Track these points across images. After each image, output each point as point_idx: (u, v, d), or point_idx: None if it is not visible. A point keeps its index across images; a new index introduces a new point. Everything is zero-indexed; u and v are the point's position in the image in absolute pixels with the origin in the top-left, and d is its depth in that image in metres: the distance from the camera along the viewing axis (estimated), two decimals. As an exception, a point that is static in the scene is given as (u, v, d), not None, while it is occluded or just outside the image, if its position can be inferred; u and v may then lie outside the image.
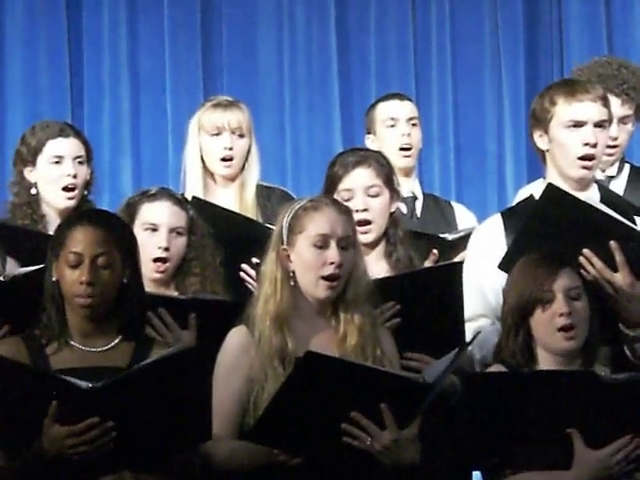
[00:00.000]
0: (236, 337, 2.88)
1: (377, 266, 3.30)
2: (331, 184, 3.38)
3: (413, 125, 4.06)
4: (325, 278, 2.86)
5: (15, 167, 3.64)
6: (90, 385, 2.63)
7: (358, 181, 3.36)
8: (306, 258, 2.87)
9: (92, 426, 2.65)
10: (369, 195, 3.36)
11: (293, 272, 2.89)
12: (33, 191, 3.60)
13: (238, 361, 2.84)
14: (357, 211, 3.31)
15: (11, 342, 2.86)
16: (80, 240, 2.82)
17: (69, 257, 2.82)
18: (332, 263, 2.86)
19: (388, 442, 2.68)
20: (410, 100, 4.16)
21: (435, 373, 2.73)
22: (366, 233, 3.34)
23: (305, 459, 2.72)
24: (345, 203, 3.19)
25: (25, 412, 2.67)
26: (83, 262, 2.82)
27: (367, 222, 3.34)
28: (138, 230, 3.29)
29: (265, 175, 3.93)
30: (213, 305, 3.19)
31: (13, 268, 3.23)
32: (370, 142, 4.09)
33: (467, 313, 3.17)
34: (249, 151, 3.82)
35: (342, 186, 3.36)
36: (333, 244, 2.88)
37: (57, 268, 2.85)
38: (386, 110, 4.06)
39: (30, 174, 3.61)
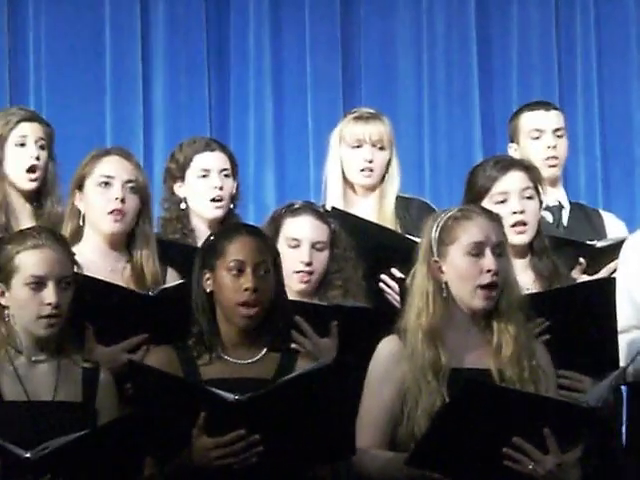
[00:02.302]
0: (388, 347, 2.86)
1: (524, 276, 3.24)
2: (480, 190, 3.34)
3: (559, 136, 3.96)
4: (483, 287, 2.82)
5: (165, 184, 3.72)
6: (237, 397, 2.66)
7: (514, 183, 3.32)
8: (461, 268, 2.83)
9: (238, 438, 2.68)
10: (524, 197, 3.31)
11: (446, 284, 2.85)
12: (183, 206, 3.66)
13: (390, 371, 2.83)
14: (514, 213, 3.27)
15: (163, 352, 2.92)
16: (242, 248, 2.89)
17: (231, 265, 2.87)
18: (489, 271, 2.81)
19: (552, 466, 2.64)
20: (556, 109, 4.05)
21: (597, 396, 2.67)
22: (522, 234, 3.29)
23: None
24: (499, 206, 3.15)
25: (175, 422, 2.71)
26: (245, 270, 2.87)
27: (523, 224, 3.29)
28: (282, 244, 3.33)
29: (403, 186, 3.90)
30: (355, 313, 3.19)
31: (172, 278, 3.30)
32: (513, 151, 4.01)
33: (619, 324, 3.09)
34: (389, 163, 3.83)
35: (496, 189, 3.31)
36: (488, 252, 2.83)
37: (214, 279, 2.90)
38: (531, 121, 3.96)
39: (179, 189, 3.68)
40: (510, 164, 3.35)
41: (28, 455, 2.59)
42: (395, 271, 3.40)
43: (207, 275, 2.91)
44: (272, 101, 5.08)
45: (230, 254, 2.88)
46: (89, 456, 2.63)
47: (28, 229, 3.02)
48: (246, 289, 2.85)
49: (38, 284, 2.83)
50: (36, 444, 2.61)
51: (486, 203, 3.29)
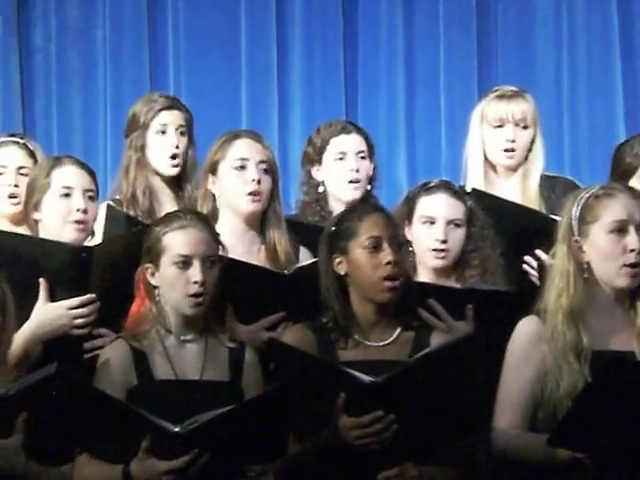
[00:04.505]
0: (528, 327, 2.90)
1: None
2: (627, 168, 3.33)
3: None
4: (627, 266, 2.83)
5: (303, 167, 3.86)
6: (373, 379, 2.75)
7: None
8: (604, 247, 2.85)
9: (376, 420, 2.76)
10: None
11: (587, 263, 2.87)
12: (320, 189, 3.79)
13: (530, 352, 2.87)
14: None
15: (300, 330, 3.03)
16: (375, 225, 2.98)
17: (366, 243, 2.96)
18: (633, 250, 2.83)
19: None
20: None
21: None
22: None
23: (610, 464, 2.73)
24: None
25: (314, 400, 2.82)
26: (382, 245, 2.96)
27: None
28: (417, 223, 3.41)
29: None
30: (491, 296, 3.23)
31: (305, 257, 3.42)
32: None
33: None
34: (533, 142, 3.82)
35: None
36: (632, 230, 2.85)
37: (348, 261, 2.99)
38: None
39: (317, 172, 3.81)
40: None
41: (177, 429, 2.72)
42: (540, 252, 3.42)
43: (338, 259, 3.00)
44: (404, 79, 5.11)
45: (364, 232, 2.97)
46: (236, 431, 2.75)
47: (174, 211, 3.21)
48: (388, 262, 2.94)
49: (185, 263, 2.98)
50: (184, 422, 2.75)
51: (635, 182, 3.30)
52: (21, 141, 3.80)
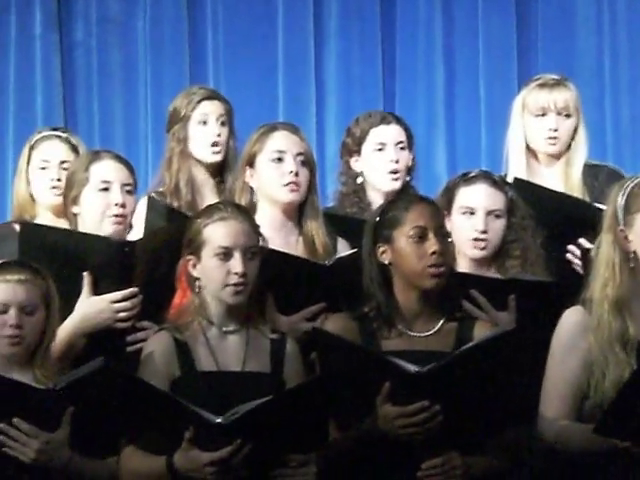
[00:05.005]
0: (574, 317, 2.91)
1: None
2: None
3: None
4: None
5: (342, 158, 3.87)
6: (418, 369, 2.78)
7: None
8: None
9: (422, 409, 2.79)
10: None
11: (634, 253, 2.87)
12: (359, 180, 3.81)
13: (575, 342, 2.87)
14: None
15: (341, 320, 3.04)
16: (421, 215, 3.00)
17: (412, 233, 2.98)
18: None
19: None
20: None
21: None
22: None
23: None
24: None
25: (358, 388, 2.84)
26: (427, 235, 2.98)
27: None
28: (456, 214, 3.42)
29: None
30: (533, 286, 3.24)
31: (343, 248, 3.45)
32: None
33: None
34: (576, 130, 3.82)
35: None
36: None
37: (392, 250, 3.01)
38: None
39: (356, 164, 3.83)
40: None
41: (219, 420, 2.76)
42: (583, 241, 3.43)
43: (382, 248, 3.02)
44: (443, 68, 5.12)
45: (410, 222, 2.99)
46: (277, 420, 2.79)
47: (215, 203, 3.24)
48: (433, 252, 2.95)
49: (226, 255, 3.02)
50: (226, 413, 2.78)
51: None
52: (64, 135, 3.86)
